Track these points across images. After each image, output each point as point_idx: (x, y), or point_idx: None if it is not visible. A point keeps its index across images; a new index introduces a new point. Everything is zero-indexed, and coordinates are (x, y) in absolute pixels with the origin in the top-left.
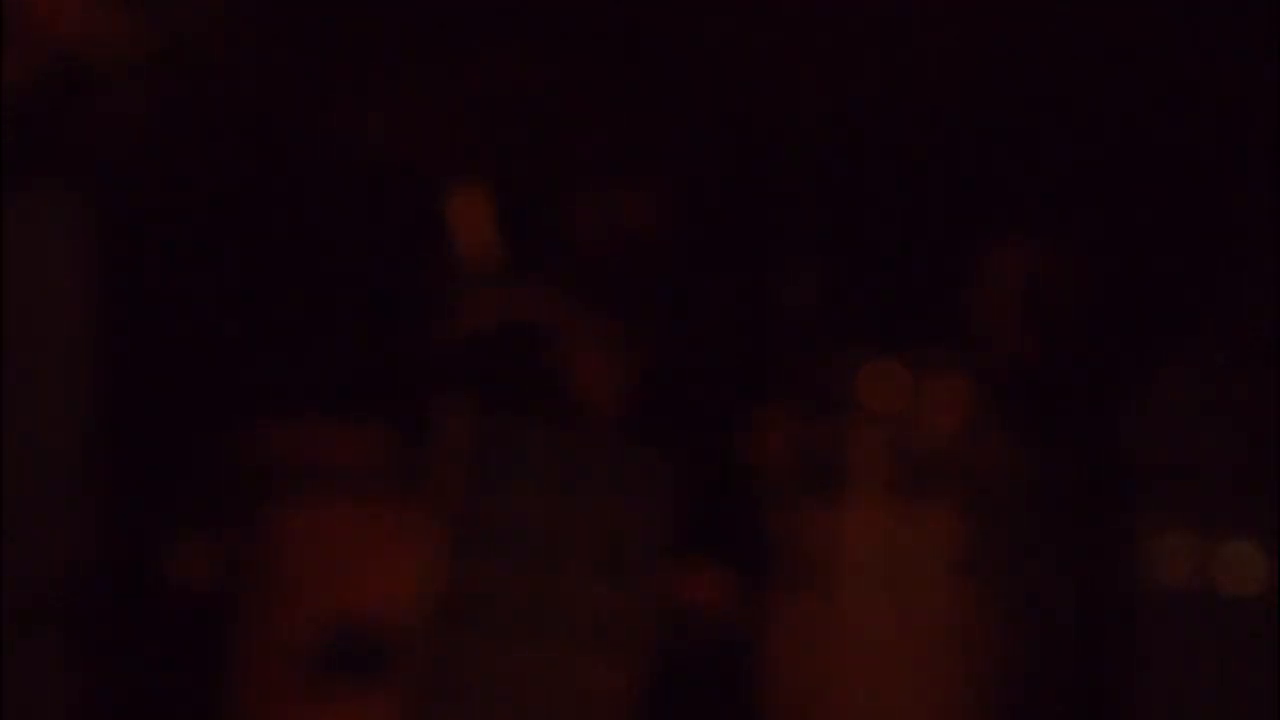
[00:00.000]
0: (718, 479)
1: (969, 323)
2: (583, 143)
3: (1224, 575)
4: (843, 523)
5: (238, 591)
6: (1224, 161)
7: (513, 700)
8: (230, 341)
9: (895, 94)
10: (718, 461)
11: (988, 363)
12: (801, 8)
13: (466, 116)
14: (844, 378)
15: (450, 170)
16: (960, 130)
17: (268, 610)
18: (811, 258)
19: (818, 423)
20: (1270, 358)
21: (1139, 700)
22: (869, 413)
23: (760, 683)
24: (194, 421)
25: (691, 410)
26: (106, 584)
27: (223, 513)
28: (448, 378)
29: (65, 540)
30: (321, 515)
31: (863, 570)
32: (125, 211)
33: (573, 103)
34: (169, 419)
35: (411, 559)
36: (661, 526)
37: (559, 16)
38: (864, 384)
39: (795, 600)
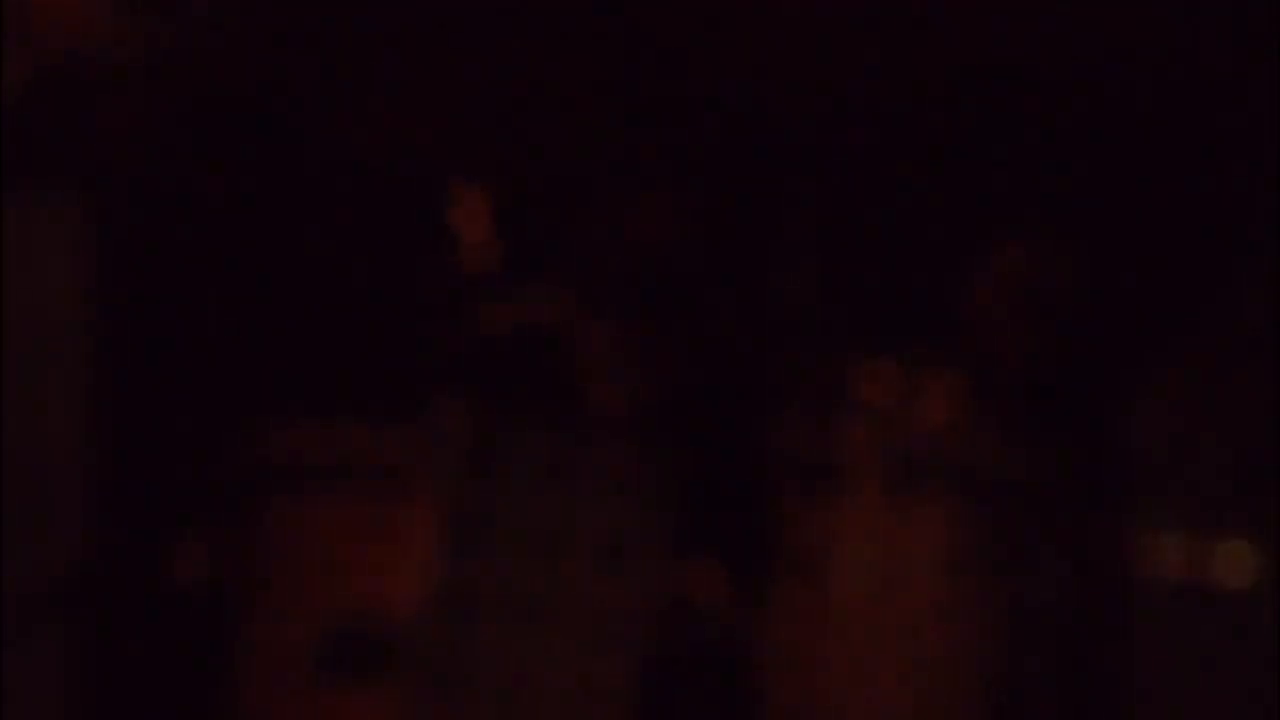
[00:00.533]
0: (717, 476)
1: (967, 322)
2: (586, 145)
3: (1220, 573)
4: (840, 521)
5: (238, 590)
6: (1224, 161)
7: (513, 697)
8: (231, 340)
9: (894, 94)
10: (717, 459)
11: (985, 361)
12: (802, 7)
13: (470, 118)
14: (842, 377)
15: (454, 171)
16: (959, 130)
17: (269, 608)
18: (811, 257)
19: (816, 421)
20: (1268, 357)
21: (1135, 697)
22: (867, 411)
23: (758, 679)
24: (195, 420)
25: (691, 408)
26: (107, 583)
27: (223, 511)
28: (449, 377)
29: (66, 539)
30: (322, 513)
31: (860, 568)
32: (125, 211)
33: (575, 105)
34: (169, 418)
35: (412, 557)
36: (661, 524)
37: (564, 19)
38: (862, 383)
39: (793, 597)
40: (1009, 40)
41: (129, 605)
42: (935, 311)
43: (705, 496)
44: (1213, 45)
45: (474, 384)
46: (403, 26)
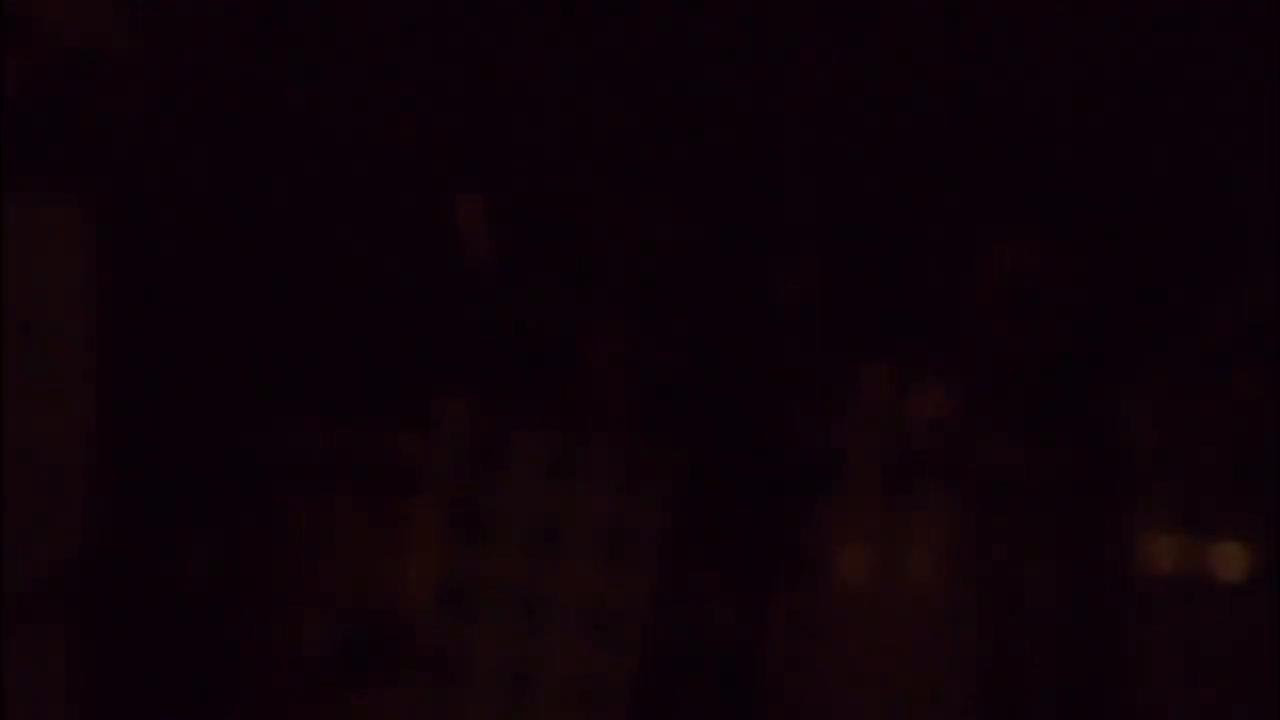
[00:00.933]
0: (718, 474)
1: (966, 320)
2: (588, 144)
3: (1219, 570)
4: (840, 518)
5: (241, 587)
6: (1223, 159)
7: (516, 692)
8: (232, 339)
9: (894, 94)
10: (718, 457)
11: (985, 360)
12: (799, 6)
13: (472, 117)
14: (843, 376)
15: (456, 171)
16: (958, 130)
17: (272, 605)
18: (811, 256)
19: (816, 420)
20: (1267, 355)
21: (1133, 694)
22: (867, 410)
23: (758, 676)
24: (197, 417)
25: (692, 406)
26: (111, 581)
27: (225, 509)
28: (453, 375)
29: (67, 540)
30: (325, 511)
31: (860, 565)
32: (126, 210)
33: (577, 104)
34: (172, 415)
35: (416, 554)
36: (662, 521)
37: (567, 18)
38: (862, 382)
39: (793, 594)
40: (1007, 40)
41: (131, 603)
42: (935, 310)
43: (706, 494)
44: (1212, 44)
45: (477, 382)
46: (405, 24)
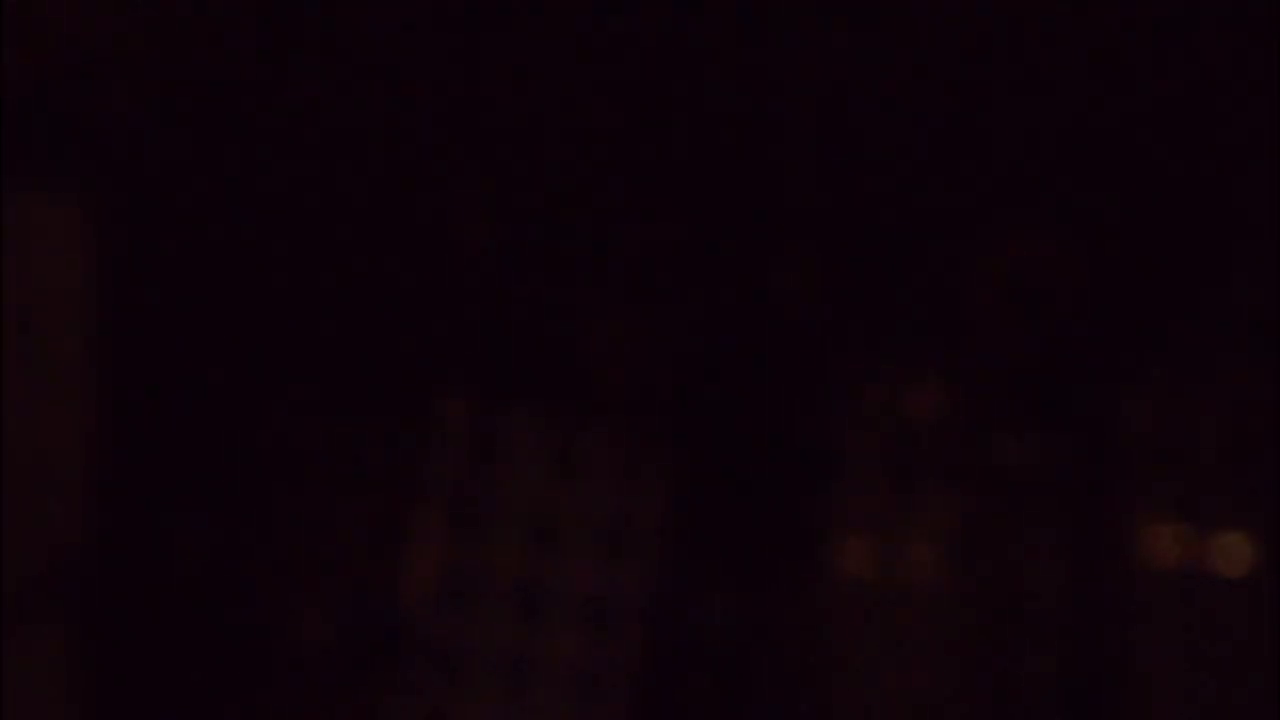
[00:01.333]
0: (718, 471)
1: (966, 320)
2: (591, 142)
3: (1219, 563)
4: (842, 514)
5: (241, 585)
6: (1222, 153)
7: (516, 687)
8: (233, 338)
9: (893, 91)
10: (718, 454)
11: (985, 359)
12: (799, 6)
13: (476, 114)
14: (844, 371)
15: (458, 167)
16: (959, 127)
17: (272, 603)
18: (812, 253)
19: (818, 415)
20: (1267, 347)
21: (1135, 687)
22: (867, 409)
23: (757, 673)
24: (197, 417)
25: (693, 404)
26: (110, 580)
27: (226, 507)
28: (452, 372)
29: (66, 540)
30: (325, 509)
31: (861, 561)
32: (126, 210)
33: (580, 103)
34: (172, 414)
35: (416, 551)
36: (662, 518)
37: (564, 18)
38: (862, 381)
39: (793, 592)
40: (1007, 39)
41: (131, 603)
42: (935, 310)
43: (706, 492)
44: (1212, 40)
45: (477, 381)
46: (405, 24)
